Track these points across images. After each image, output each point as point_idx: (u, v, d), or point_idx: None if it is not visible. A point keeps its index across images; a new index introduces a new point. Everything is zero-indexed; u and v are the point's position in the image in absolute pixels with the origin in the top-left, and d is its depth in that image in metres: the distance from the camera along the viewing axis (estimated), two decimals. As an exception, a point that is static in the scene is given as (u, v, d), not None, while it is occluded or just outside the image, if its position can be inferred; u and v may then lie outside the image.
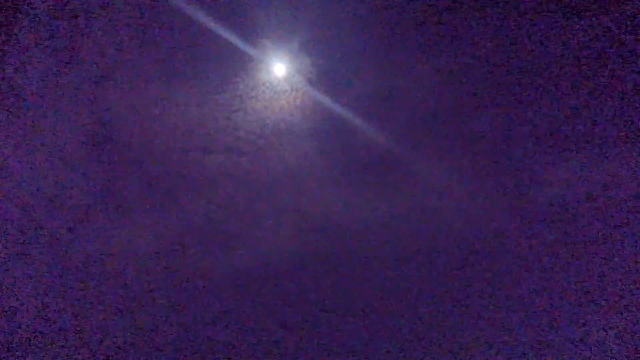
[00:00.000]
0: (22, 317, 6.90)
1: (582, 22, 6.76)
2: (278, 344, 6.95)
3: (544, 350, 6.86)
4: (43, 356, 6.86)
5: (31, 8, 6.68)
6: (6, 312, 6.90)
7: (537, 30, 6.85)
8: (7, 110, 6.85)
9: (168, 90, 6.95)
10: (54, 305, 6.96)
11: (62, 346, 6.91)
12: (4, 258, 6.92)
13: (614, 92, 6.88)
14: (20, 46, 6.78)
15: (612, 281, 6.95)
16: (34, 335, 6.88)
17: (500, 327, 6.94)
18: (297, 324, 6.95)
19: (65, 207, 7.00)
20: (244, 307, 7.02)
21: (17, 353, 6.83)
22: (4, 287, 6.92)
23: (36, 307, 6.93)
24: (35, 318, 6.92)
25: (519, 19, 6.74)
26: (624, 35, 6.75)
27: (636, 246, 6.92)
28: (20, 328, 6.87)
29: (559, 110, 7.01)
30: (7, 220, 6.95)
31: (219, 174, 7.07)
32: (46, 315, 6.94)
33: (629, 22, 6.67)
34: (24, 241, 6.96)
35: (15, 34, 6.71)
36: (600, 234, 6.98)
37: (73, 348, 6.88)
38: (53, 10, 6.71)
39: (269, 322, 6.96)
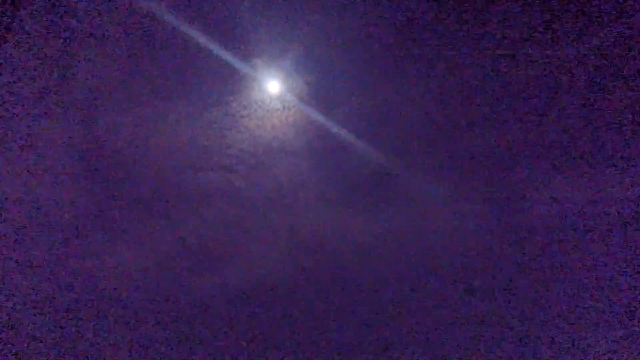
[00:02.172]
0: (17, 332, 6.92)
1: (577, 41, 6.74)
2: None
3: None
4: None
5: (23, 26, 6.67)
6: (1, 326, 6.92)
7: (529, 48, 6.83)
8: (0, 127, 6.86)
9: (161, 108, 6.95)
10: (47, 320, 6.98)
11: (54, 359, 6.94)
12: (-2, 275, 6.94)
13: (606, 110, 6.87)
14: (12, 64, 6.77)
15: (604, 296, 6.96)
16: (28, 350, 6.90)
17: (495, 343, 6.96)
18: (289, 342, 6.96)
19: (59, 224, 7.01)
20: (235, 324, 7.03)
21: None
22: (-2, 302, 6.94)
23: (30, 322, 6.95)
24: (29, 333, 6.94)
25: (511, 38, 6.72)
26: (617, 54, 6.74)
27: (627, 262, 6.94)
28: (15, 342, 6.89)
29: (551, 128, 7.01)
30: (0, 237, 6.96)
31: (211, 192, 7.07)
32: (40, 330, 6.96)
33: (622, 41, 6.66)
34: (18, 257, 6.98)
35: (8, 52, 6.71)
36: (591, 250, 6.99)
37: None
38: (45, 29, 6.70)
39: (260, 340, 6.96)
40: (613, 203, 6.86)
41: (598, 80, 6.68)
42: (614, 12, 6.45)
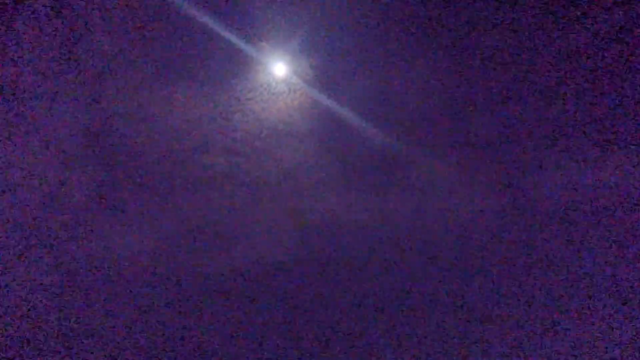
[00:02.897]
0: (20, 317, 6.91)
1: (583, 24, 6.77)
2: (276, 344, 6.94)
3: (542, 351, 6.85)
4: (40, 357, 6.86)
5: (31, 7, 6.70)
6: (4, 312, 6.91)
7: (536, 31, 6.86)
8: (5, 109, 6.88)
9: (166, 90, 6.97)
10: (51, 305, 6.97)
11: (60, 346, 6.91)
12: (2, 258, 6.93)
13: (614, 95, 6.88)
14: (19, 45, 6.80)
15: (611, 282, 6.94)
16: (31, 335, 6.89)
17: (499, 328, 6.94)
18: (296, 325, 6.95)
19: (63, 207, 7.02)
20: (242, 307, 7.02)
21: (14, 353, 6.83)
22: (1, 287, 6.93)
23: (34, 307, 6.94)
24: (32, 318, 6.92)
25: (518, 19, 6.75)
26: (624, 37, 6.75)
27: (636, 248, 6.92)
28: (18, 328, 6.88)
29: (558, 112, 7.02)
30: (4, 220, 6.96)
31: (216, 174, 7.08)
32: (44, 315, 6.94)
33: (628, 25, 6.68)
34: (22, 241, 6.98)
35: (15, 33, 6.74)
36: (599, 235, 6.98)
37: (71, 348, 6.89)
38: (52, 9, 6.74)
39: (267, 322, 6.96)
40: (624, 188, 6.86)
41: (609, 64, 6.70)
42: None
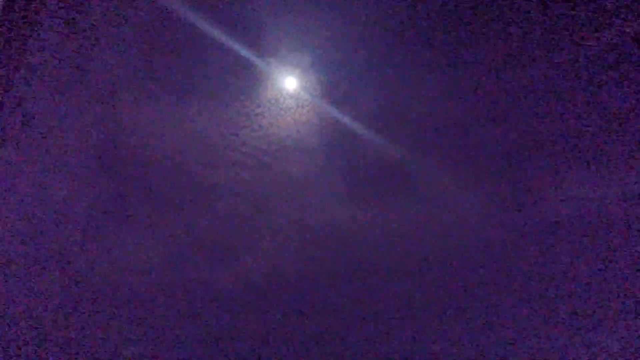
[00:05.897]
0: (29, 328, 6.95)
1: (589, 37, 6.79)
2: (282, 355, 6.97)
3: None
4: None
5: (41, 26, 6.76)
6: (12, 323, 6.95)
7: (543, 44, 6.88)
8: (16, 125, 6.93)
9: (175, 105, 7.02)
10: (60, 316, 7.01)
11: (68, 357, 6.95)
12: (12, 271, 6.98)
13: (617, 109, 6.90)
14: (29, 63, 6.86)
15: (612, 296, 6.95)
16: (40, 346, 6.93)
17: (502, 337, 6.94)
18: (302, 336, 6.97)
19: (72, 220, 7.06)
20: (248, 320, 7.04)
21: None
22: (11, 298, 6.97)
23: (43, 319, 6.98)
24: (41, 330, 6.96)
25: (525, 34, 6.77)
26: (629, 51, 6.77)
27: (633, 262, 6.93)
28: (26, 339, 6.92)
29: (563, 125, 7.04)
30: (14, 233, 7.01)
31: (224, 188, 7.11)
32: (52, 327, 6.98)
33: (634, 39, 6.70)
34: (31, 253, 7.02)
35: (25, 52, 6.80)
36: (598, 249, 6.99)
37: (79, 359, 6.92)
38: (62, 29, 6.80)
39: (272, 333, 6.98)
40: (624, 201, 6.87)
41: (611, 77, 6.72)
42: (625, 9, 6.51)
